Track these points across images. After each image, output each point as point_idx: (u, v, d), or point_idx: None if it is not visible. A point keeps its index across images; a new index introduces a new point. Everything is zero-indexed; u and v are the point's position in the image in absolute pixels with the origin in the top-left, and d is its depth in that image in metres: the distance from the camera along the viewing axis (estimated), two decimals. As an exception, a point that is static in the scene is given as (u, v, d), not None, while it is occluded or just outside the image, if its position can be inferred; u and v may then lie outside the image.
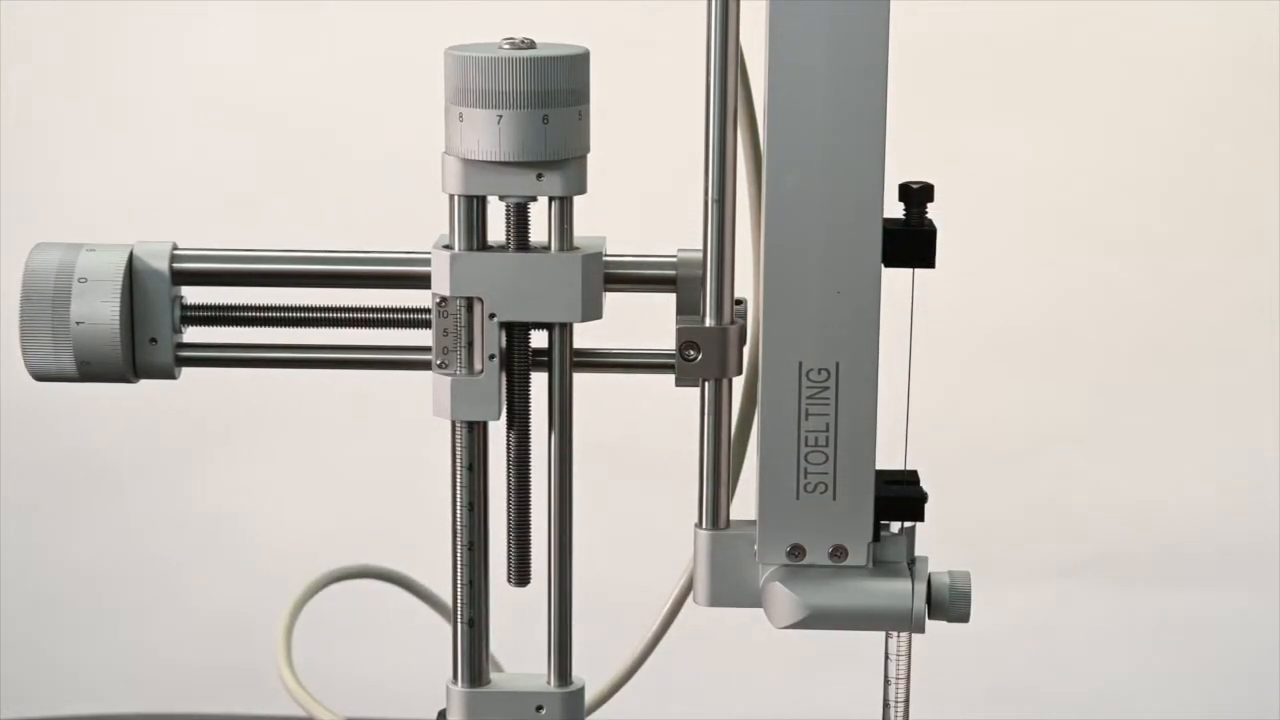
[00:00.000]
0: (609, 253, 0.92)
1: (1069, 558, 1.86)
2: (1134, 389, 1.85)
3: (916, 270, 0.88)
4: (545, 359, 0.92)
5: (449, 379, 0.91)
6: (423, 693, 1.13)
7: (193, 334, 0.95)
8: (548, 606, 0.95)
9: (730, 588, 0.91)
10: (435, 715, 0.97)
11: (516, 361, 0.92)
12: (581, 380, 0.93)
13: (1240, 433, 1.84)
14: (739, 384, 0.92)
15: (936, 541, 0.95)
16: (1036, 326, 1.84)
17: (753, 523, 0.90)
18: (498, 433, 0.93)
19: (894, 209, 0.88)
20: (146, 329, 0.93)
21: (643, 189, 1.62)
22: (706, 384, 0.91)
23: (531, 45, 0.89)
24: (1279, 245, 1.81)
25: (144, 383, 0.94)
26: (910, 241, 0.88)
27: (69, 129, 1.86)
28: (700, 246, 0.89)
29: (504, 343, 0.91)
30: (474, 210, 0.90)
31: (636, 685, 1.00)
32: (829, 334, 0.87)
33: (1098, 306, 1.84)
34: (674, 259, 0.93)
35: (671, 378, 0.91)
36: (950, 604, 0.91)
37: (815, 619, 0.90)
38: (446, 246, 0.91)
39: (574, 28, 1.04)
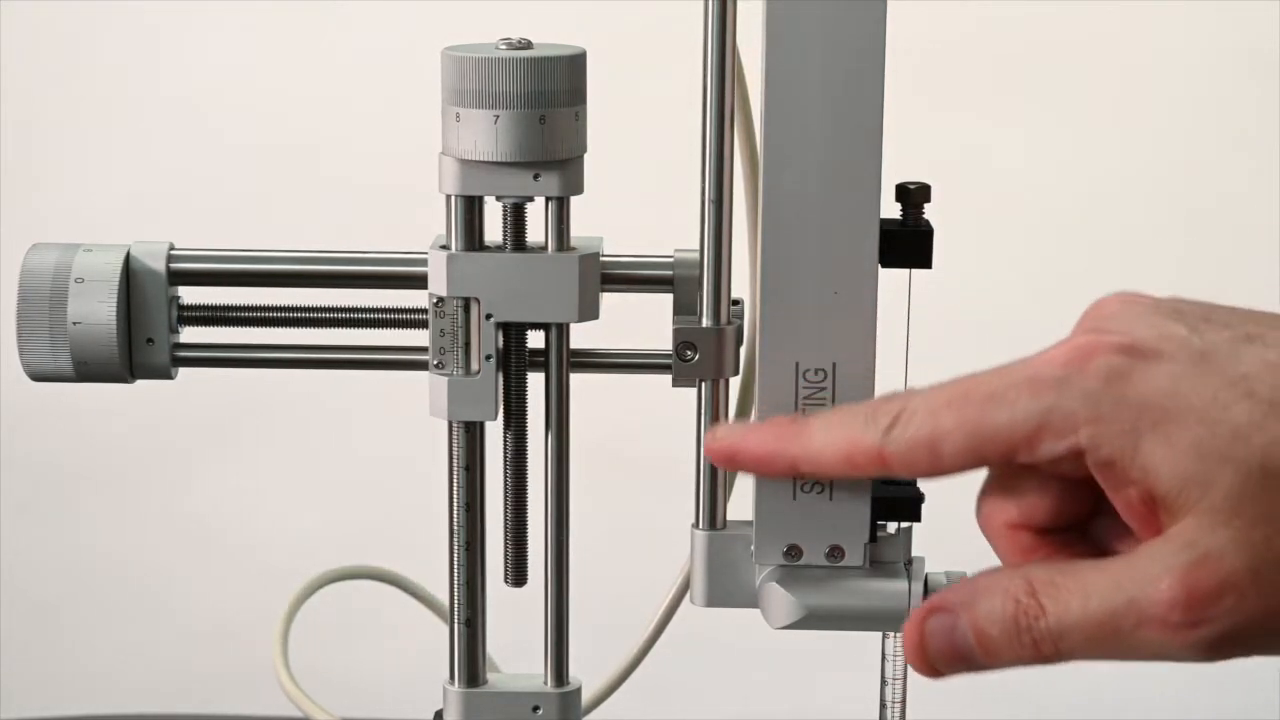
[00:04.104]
0: (606, 253, 0.92)
1: (1068, 558, 1.85)
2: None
3: (914, 270, 0.88)
4: (542, 359, 0.92)
5: (445, 379, 0.91)
6: (419, 693, 1.13)
7: (189, 334, 0.95)
8: (544, 607, 0.95)
9: (727, 588, 0.91)
10: (432, 716, 0.97)
11: (513, 362, 0.92)
12: (578, 380, 0.93)
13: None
14: (736, 384, 0.92)
15: (934, 542, 0.95)
16: (1035, 327, 1.83)
17: (749, 523, 0.90)
18: (495, 433, 0.93)
19: (891, 209, 0.88)
20: (143, 329, 0.93)
21: (640, 189, 1.62)
22: (703, 384, 0.90)
23: (528, 45, 0.88)
24: (1279, 245, 1.81)
25: (141, 383, 0.94)
26: (908, 242, 0.88)
27: (67, 129, 1.86)
28: (697, 247, 0.89)
29: (501, 343, 0.91)
30: (471, 210, 0.90)
31: (633, 686, 1.00)
32: (826, 334, 0.87)
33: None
34: (671, 259, 0.93)
35: (668, 378, 0.91)
36: (947, 605, 0.91)
37: (812, 619, 0.89)
38: (443, 247, 0.90)
39: (571, 28, 1.04)
